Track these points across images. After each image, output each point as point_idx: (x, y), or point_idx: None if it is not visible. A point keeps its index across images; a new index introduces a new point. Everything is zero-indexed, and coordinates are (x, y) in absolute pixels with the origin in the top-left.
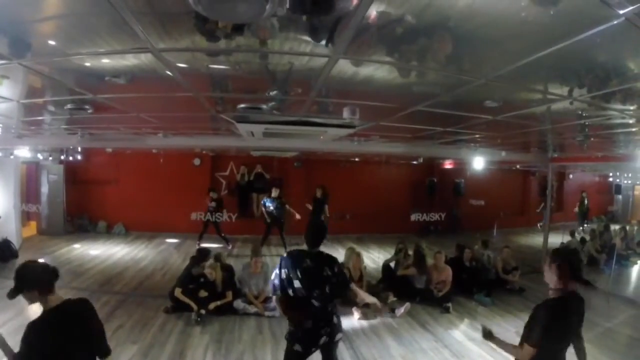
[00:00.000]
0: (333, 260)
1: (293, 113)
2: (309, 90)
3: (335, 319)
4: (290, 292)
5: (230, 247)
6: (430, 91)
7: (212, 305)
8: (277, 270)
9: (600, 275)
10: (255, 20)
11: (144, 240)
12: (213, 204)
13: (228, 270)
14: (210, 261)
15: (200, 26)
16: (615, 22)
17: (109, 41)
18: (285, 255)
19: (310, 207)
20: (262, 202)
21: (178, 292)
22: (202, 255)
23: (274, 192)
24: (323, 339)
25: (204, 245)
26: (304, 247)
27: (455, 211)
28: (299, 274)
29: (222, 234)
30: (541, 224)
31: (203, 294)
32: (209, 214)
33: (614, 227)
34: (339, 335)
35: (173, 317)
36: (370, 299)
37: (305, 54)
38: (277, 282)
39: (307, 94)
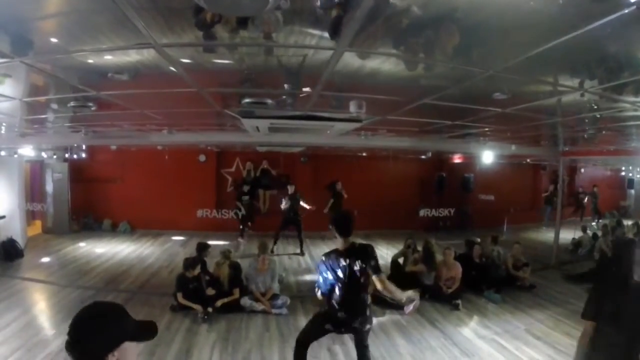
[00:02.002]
0: (366, 252)
1: (299, 107)
2: (314, 84)
3: (368, 312)
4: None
5: (244, 241)
6: (437, 84)
7: (219, 303)
8: (320, 275)
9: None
10: (259, 13)
11: (150, 238)
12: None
13: (235, 268)
14: (218, 258)
15: (196, 19)
16: (626, 11)
17: (111, 37)
18: (323, 259)
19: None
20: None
21: (180, 297)
22: (201, 249)
23: (290, 189)
24: (356, 323)
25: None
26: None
27: (464, 207)
28: (339, 272)
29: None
30: (545, 224)
31: (211, 292)
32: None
33: (627, 223)
34: (367, 326)
35: (179, 315)
36: (399, 295)
37: (310, 46)
38: (321, 284)
39: (313, 87)
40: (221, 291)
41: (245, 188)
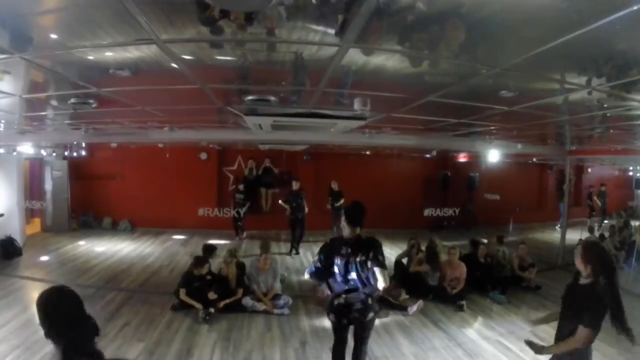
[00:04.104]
0: (373, 245)
1: (302, 105)
2: (318, 80)
3: (369, 300)
4: (331, 271)
5: (238, 240)
6: (443, 81)
7: (221, 303)
8: (316, 256)
9: (620, 273)
10: (263, 9)
11: (150, 237)
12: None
13: (240, 267)
14: (225, 256)
15: (200, 15)
16: (635, 8)
17: (112, 33)
18: (327, 241)
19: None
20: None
21: (182, 293)
22: (208, 251)
23: (295, 185)
24: (354, 314)
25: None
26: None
27: (469, 206)
28: (337, 260)
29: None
30: (560, 224)
31: (213, 296)
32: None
33: (635, 223)
34: (370, 315)
35: (180, 315)
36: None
37: (314, 43)
38: (312, 268)
39: (317, 84)
40: (228, 290)
41: (240, 186)
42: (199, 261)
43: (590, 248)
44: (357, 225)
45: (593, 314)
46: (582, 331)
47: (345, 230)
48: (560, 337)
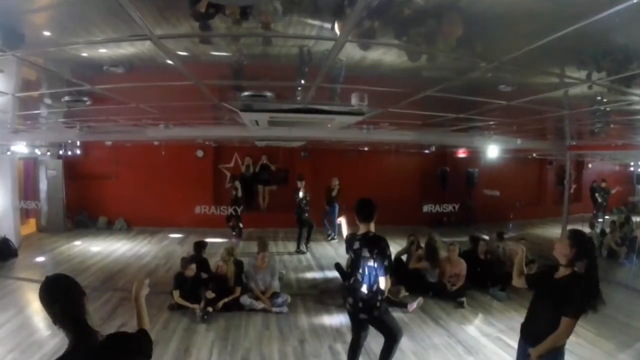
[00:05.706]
0: (377, 242)
1: (299, 100)
2: (315, 76)
3: (373, 301)
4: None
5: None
6: (441, 75)
7: (220, 303)
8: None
9: (621, 269)
10: (257, 3)
11: (147, 236)
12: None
13: (238, 266)
14: (222, 254)
15: (192, 10)
16: (636, 0)
17: (106, 29)
18: (348, 237)
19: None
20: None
21: (176, 295)
22: (198, 248)
23: (300, 184)
24: (361, 315)
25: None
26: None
27: (468, 202)
28: (351, 254)
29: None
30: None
31: (210, 294)
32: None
33: (635, 219)
34: (375, 313)
35: (177, 314)
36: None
37: (310, 37)
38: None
39: (314, 79)
40: (226, 289)
41: (237, 184)
42: (186, 262)
43: (575, 233)
44: (363, 220)
45: (577, 305)
46: (567, 322)
47: (360, 227)
48: (533, 329)
